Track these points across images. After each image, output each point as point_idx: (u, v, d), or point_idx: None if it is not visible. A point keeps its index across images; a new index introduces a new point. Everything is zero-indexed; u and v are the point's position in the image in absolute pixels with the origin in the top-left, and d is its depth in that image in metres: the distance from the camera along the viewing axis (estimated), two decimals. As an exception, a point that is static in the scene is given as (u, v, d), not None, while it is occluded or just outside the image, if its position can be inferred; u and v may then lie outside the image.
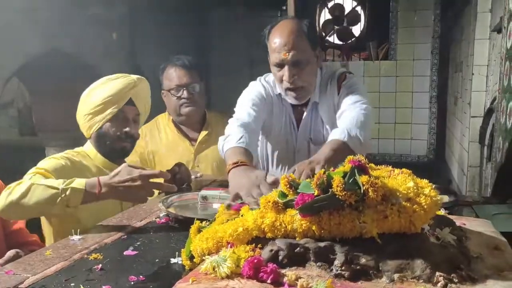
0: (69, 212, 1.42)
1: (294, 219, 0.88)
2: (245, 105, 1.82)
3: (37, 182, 1.40)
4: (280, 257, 0.86)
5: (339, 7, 5.04)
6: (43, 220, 1.73)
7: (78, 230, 1.27)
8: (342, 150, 1.51)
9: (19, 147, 4.59)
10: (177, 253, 1.07)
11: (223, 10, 5.06)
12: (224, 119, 1.83)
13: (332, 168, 0.96)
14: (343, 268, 0.83)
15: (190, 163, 2.26)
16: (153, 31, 4.07)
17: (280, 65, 1.75)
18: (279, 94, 1.88)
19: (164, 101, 2.38)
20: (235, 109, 1.85)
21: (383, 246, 0.84)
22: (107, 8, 3.62)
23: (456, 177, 3.60)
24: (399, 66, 4.61)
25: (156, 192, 1.62)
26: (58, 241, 1.27)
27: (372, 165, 0.98)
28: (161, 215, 1.44)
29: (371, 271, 0.82)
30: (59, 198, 1.36)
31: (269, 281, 0.81)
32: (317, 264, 0.85)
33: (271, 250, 0.87)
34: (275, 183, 1.27)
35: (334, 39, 5.05)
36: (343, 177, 0.87)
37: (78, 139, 1.91)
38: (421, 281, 0.80)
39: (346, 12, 5.02)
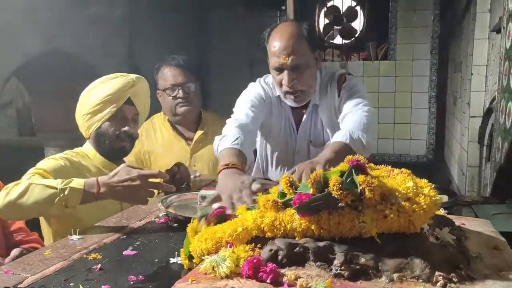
0: (68, 212, 1.42)
1: (294, 219, 0.88)
2: (244, 106, 1.82)
3: (36, 182, 1.39)
4: (280, 257, 0.86)
5: (334, 9, 5.05)
6: (42, 221, 1.73)
7: (78, 230, 1.27)
8: (343, 152, 1.50)
9: (18, 147, 4.59)
10: (176, 253, 1.06)
11: (223, 10, 5.06)
12: (220, 119, 1.83)
13: (331, 168, 0.96)
14: (342, 267, 0.83)
15: (186, 162, 2.26)
16: (153, 31, 4.07)
17: (280, 69, 1.75)
18: (279, 96, 1.88)
19: (160, 101, 2.38)
20: (233, 109, 1.85)
21: (383, 245, 0.84)
22: (107, 8, 3.62)
23: (455, 177, 3.60)
24: (398, 66, 4.62)
25: (155, 192, 1.62)
26: (57, 241, 1.26)
27: (372, 165, 0.98)
28: (160, 215, 1.44)
29: (370, 271, 0.82)
30: (58, 198, 1.35)
31: (268, 280, 0.81)
32: (317, 263, 0.85)
33: (271, 250, 0.87)
34: (259, 191, 1.25)
35: (336, 39, 5.05)
36: (341, 176, 0.87)
37: (77, 139, 1.91)
38: (421, 280, 0.80)
39: (342, 11, 5.03)
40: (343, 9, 5.07)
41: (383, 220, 0.85)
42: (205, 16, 5.13)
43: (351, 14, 5.02)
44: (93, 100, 1.74)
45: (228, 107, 1.92)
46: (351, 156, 0.92)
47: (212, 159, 2.28)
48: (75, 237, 1.24)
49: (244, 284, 0.81)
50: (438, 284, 0.79)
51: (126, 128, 1.78)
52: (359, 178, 0.85)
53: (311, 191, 0.87)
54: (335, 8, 5.05)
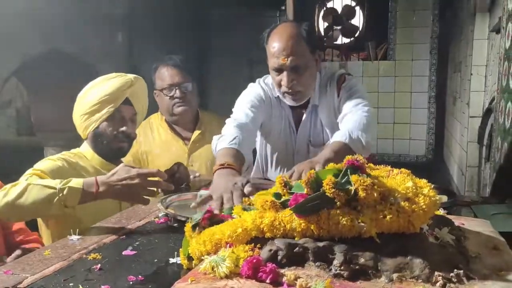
0: (67, 212, 1.42)
1: (293, 219, 0.88)
2: (243, 106, 1.82)
3: (34, 182, 1.39)
4: (279, 257, 0.86)
5: (331, 10, 5.05)
6: (40, 222, 1.73)
7: (77, 230, 1.27)
8: (343, 152, 1.50)
9: (17, 147, 4.58)
10: (176, 253, 1.06)
11: (223, 10, 5.06)
12: (218, 118, 1.82)
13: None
14: (342, 268, 0.83)
15: (184, 162, 2.25)
16: (153, 31, 4.07)
17: (279, 70, 1.75)
18: (278, 96, 1.88)
19: (157, 101, 2.38)
20: (233, 109, 1.85)
21: (382, 246, 0.84)
22: (107, 8, 3.62)
23: (454, 177, 3.60)
24: (397, 66, 4.61)
25: (156, 192, 1.62)
26: (57, 241, 1.26)
27: (371, 165, 0.98)
28: (160, 215, 1.44)
29: (370, 271, 0.82)
30: (57, 197, 1.35)
31: (268, 281, 0.81)
32: (316, 264, 0.85)
33: (270, 250, 0.87)
34: (251, 194, 1.24)
35: (338, 39, 5.04)
36: (336, 175, 0.86)
37: (76, 139, 1.91)
38: (420, 280, 0.80)
39: (340, 11, 5.03)
40: (340, 9, 5.07)
41: (382, 220, 0.84)
42: (205, 16, 5.13)
43: (349, 12, 5.01)
44: (91, 100, 1.74)
45: (227, 107, 1.92)
46: (350, 156, 0.92)
47: (210, 159, 2.28)
48: (74, 237, 1.24)
49: (243, 284, 0.81)
50: (438, 284, 0.79)
51: (124, 128, 1.78)
52: (353, 178, 0.85)
53: (305, 191, 0.87)
54: (332, 10, 5.05)
